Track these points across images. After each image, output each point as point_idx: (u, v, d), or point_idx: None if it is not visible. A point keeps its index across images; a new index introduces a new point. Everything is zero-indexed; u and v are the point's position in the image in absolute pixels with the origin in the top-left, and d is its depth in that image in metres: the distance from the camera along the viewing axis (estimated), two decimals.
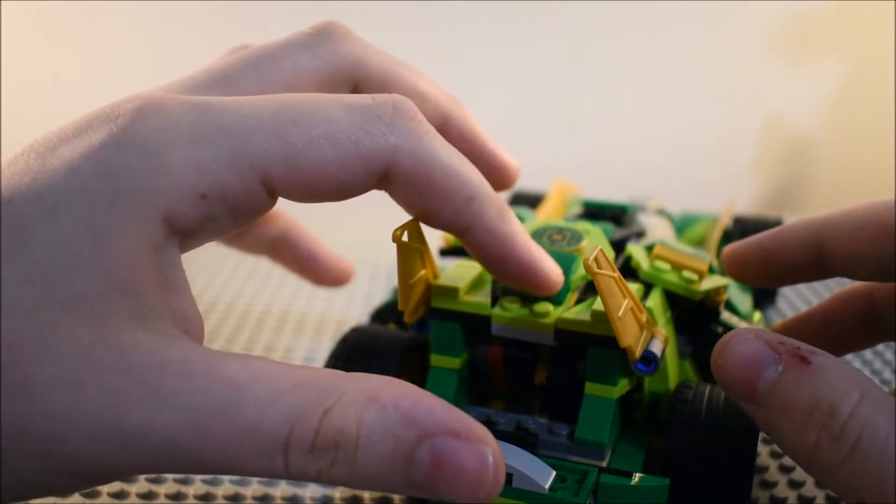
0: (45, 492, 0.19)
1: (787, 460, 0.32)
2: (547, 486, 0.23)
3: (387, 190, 0.24)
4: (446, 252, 0.33)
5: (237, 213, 0.22)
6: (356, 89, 0.26)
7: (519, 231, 0.25)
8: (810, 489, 0.30)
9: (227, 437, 0.18)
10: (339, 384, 0.19)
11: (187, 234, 0.21)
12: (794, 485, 0.31)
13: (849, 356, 0.40)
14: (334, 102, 0.23)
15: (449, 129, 0.27)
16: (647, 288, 0.29)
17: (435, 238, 0.30)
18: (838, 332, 0.29)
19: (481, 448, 0.19)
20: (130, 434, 0.18)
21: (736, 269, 0.28)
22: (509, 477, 0.23)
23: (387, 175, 0.23)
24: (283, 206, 0.27)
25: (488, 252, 0.25)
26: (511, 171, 0.29)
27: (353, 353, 0.30)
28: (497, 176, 0.28)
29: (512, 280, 0.25)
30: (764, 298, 0.41)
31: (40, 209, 0.20)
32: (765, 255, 0.27)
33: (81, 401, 0.18)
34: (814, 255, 0.25)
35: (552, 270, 0.26)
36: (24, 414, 0.18)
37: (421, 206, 0.24)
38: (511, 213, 0.25)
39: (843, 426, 0.20)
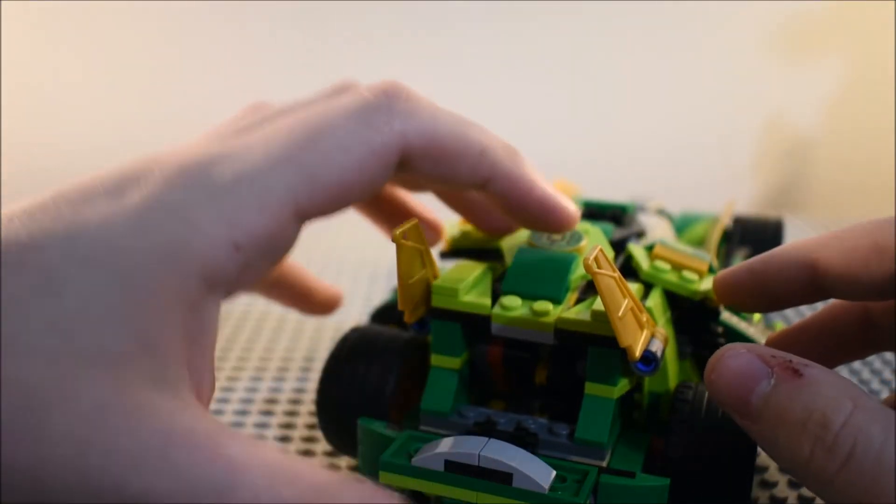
0: None
1: None
2: (547, 486, 0.23)
3: (403, 170, 0.25)
4: (447, 255, 0.33)
5: (271, 253, 0.23)
6: (407, 153, 0.25)
7: (532, 173, 0.26)
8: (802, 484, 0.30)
9: None
10: (336, 487, 0.20)
11: (227, 285, 0.22)
12: (794, 485, 0.31)
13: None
14: (334, 112, 0.23)
15: (500, 184, 0.26)
16: (647, 288, 0.29)
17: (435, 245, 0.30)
18: (833, 343, 0.28)
19: None
20: (130, 497, 0.18)
21: (728, 297, 0.27)
22: (509, 477, 0.23)
23: (403, 158, 0.24)
24: None
25: (509, 197, 0.26)
26: (566, 217, 0.28)
27: (352, 353, 0.30)
28: (553, 221, 0.27)
29: (534, 221, 0.27)
30: None
31: (72, 259, 0.20)
32: (757, 279, 0.26)
33: (90, 458, 0.18)
34: (807, 278, 0.25)
35: (569, 205, 0.27)
36: (35, 464, 0.18)
37: (439, 174, 0.25)
38: (521, 157, 0.26)
39: (835, 437, 0.20)
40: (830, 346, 0.28)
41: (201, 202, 0.21)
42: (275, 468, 0.19)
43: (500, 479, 0.23)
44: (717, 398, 0.22)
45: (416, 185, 0.30)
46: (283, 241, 0.23)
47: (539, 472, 0.23)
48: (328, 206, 0.23)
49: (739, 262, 0.27)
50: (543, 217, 0.27)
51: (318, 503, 0.19)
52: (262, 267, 0.23)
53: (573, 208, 0.27)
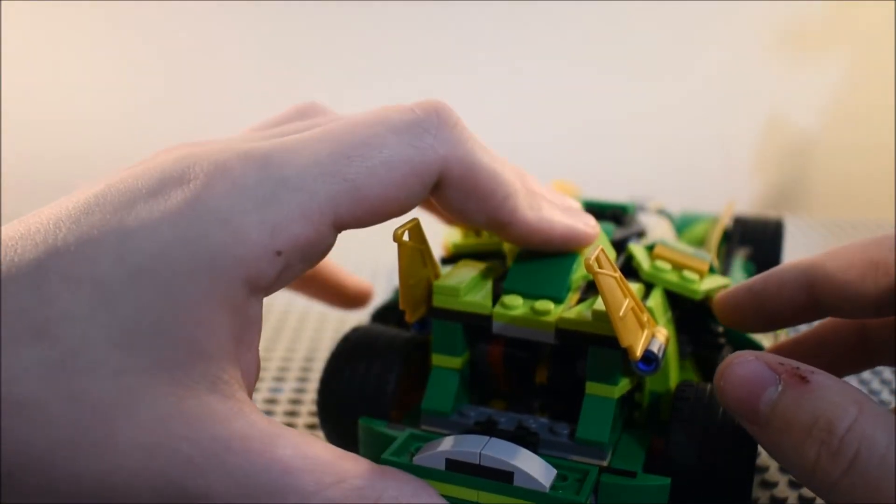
0: None
1: None
2: (548, 485, 0.23)
3: (433, 195, 0.25)
4: (447, 260, 0.33)
5: (310, 258, 0.23)
6: (443, 178, 0.25)
7: (550, 212, 0.27)
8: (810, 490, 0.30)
9: None
10: (377, 485, 0.21)
11: (267, 288, 0.23)
12: (794, 485, 0.31)
13: None
14: (383, 127, 0.24)
15: (517, 229, 0.27)
16: (648, 288, 0.29)
17: (436, 243, 0.30)
18: (829, 357, 0.29)
19: None
20: (191, 498, 0.20)
21: (729, 316, 0.28)
22: (510, 476, 0.23)
23: (437, 182, 0.25)
24: None
25: (530, 240, 0.27)
26: (584, 238, 0.28)
27: (354, 352, 0.30)
28: (572, 246, 0.28)
29: (556, 249, 0.28)
30: None
31: (122, 273, 0.21)
32: (757, 299, 0.27)
33: (155, 464, 0.20)
34: (806, 296, 0.25)
35: (588, 227, 0.28)
36: (104, 472, 0.20)
37: (463, 208, 0.25)
38: (539, 199, 0.27)
39: (840, 441, 0.20)
40: (827, 360, 0.29)
41: (245, 208, 0.22)
42: (323, 468, 0.21)
43: (501, 477, 0.23)
44: (726, 404, 0.23)
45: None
46: (321, 248, 0.24)
47: (540, 471, 0.23)
48: (367, 218, 0.24)
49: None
50: (566, 247, 0.28)
51: (363, 502, 0.21)
52: (299, 270, 0.24)
53: (592, 226, 0.28)
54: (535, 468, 0.23)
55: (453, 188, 0.25)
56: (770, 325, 0.27)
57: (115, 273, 0.21)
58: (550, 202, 0.28)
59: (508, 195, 0.26)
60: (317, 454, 0.21)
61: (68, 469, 0.19)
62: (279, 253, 0.22)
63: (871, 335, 0.28)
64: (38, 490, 0.20)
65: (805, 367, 0.22)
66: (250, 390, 0.23)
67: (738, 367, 0.22)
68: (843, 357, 0.29)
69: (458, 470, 0.23)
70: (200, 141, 0.26)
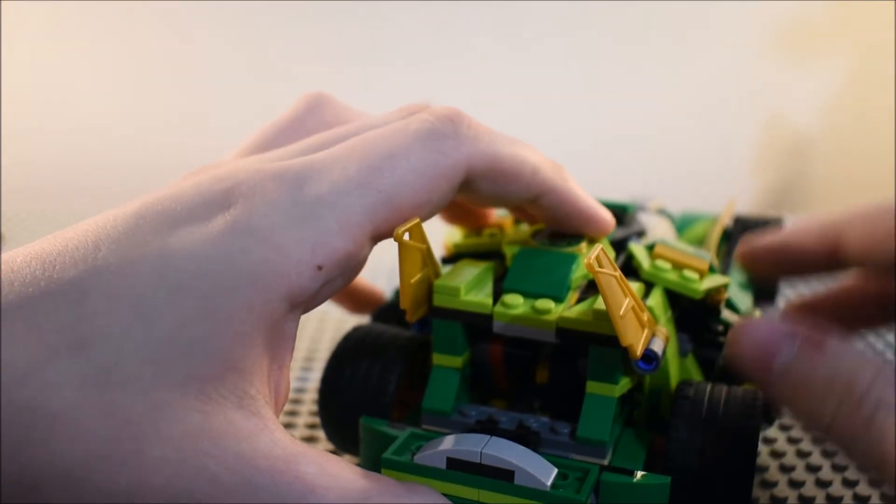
0: None
1: (787, 460, 0.32)
2: (549, 483, 0.23)
3: (463, 191, 0.26)
4: (448, 260, 0.33)
5: (349, 271, 0.24)
6: (470, 175, 0.26)
7: (576, 186, 0.29)
8: (810, 489, 0.31)
9: None
10: (404, 497, 0.22)
11: (307, 303, 0.23)
12: (795, 485, 0.31)
13: None
14: (405, 137, 0.25)
15: (550, 198, 0.28)
16: (648, 287, 0.29)
17: (437, 243, 0.30)
18: (853, 312, 0.30)
19: None
20: None
21: (752, 259, 0.30)
22: (511, 474, 0.23)
23: (464, 179, 0.26)
24: None
25: (557, 210, 0.28)
26: (605, 224, 0.30)
27: (355, 352, 0.30)
28: (593, 228, 0.29)
29: (577, 228, 0.29)
30: (764, 298, 0.41)
31: (162, 290, 0.21)
32: (783, 244, 0.29)
33: (181, 481, 0.20)
34: (829, 248, 0.27)
35: (606, 213, 0.29)
36: (131, 488, 0.20)
37: (496, 192, 0.27)
38: (566, 171, 0.29)
39: (860, 399, 0.21)
40: (850, 315, 0.30)
41: (286, 226, 0.22)
42: (348, 487, 0.21)
43: (502, 476, 0.23)
44: (740, 366, 0.24)
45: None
46: (359, 261, 0.24)
47: (541, 470, 0.23)
48: (400, 223, 0.24)
49: (737, 280, 0.29)
50: (586, 225, 0.29)
51: None
52: (339, 285, 0.24)
53: (609, 215, 0.30)
54: (535, 467, 0.23)
55: (482, 179, 0.26)
56: (790, 272, 0.29)
57: (155, 291, 0.21)
58: (575, 182, 0.29)
59: (536, 169, 0.27)
60: (340, 473, 0.21)
61: (97, 484, 0.20)
62: (320, 267, 0.23)
63: (892, 292, 0.29)
64: (86, 499, 0.20)
65: (819, 334, 0.23)
66: (279, 409, 0.23)
67: (754, 329, 0.24)
68: (865, 313, 0.30)
69: (459, 469, 0.23)
70: (224, 161, 0.27)
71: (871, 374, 0.22)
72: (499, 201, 0.28)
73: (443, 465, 0.24)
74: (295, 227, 0.22)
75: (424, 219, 0.25)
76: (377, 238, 0.24)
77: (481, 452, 0.23)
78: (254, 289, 0.22)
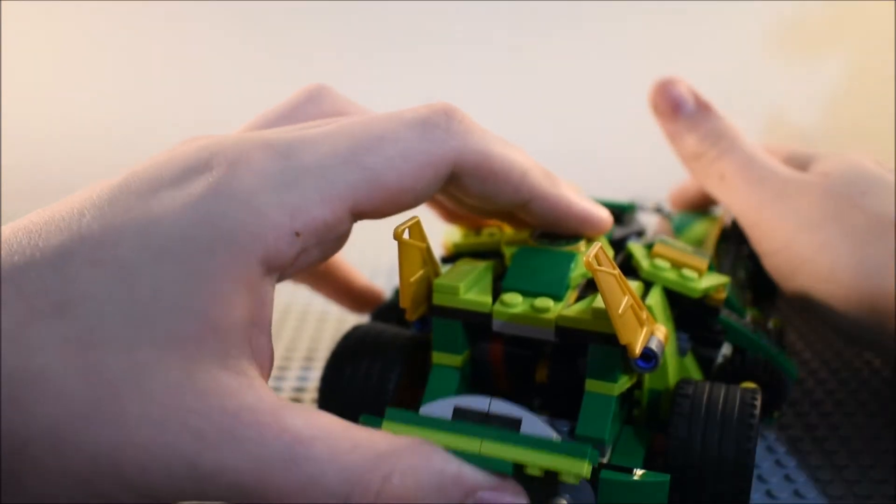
0: None
1: (782, 457, 0.32)
2: (554, 435, 0.24)
3: (451, 188, 0.27)
4: (447, 259, 0.33)
5: (327, 243, 0.25)
6: (458, 169, 0.26)
7: (568, 190, 0.29)
8: (805, 486, 0.31)
9: (290, 490, 0.20)
10: (393, 452, 0.21)
11: (283, 269, 0.23)
12: (790, 481, 0.31)
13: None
14: (397, 123, 0.25)
15: (539, 203, 0.28)
16: (647, 286, 0.29)
17: (436, 243, 0.31)
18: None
19: (517, 497, 0.22)
20: (203, 473, 0.20)
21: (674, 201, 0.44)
22: (518, 423, 0.24)
23: (452, 174, 0.26)
24: None
25: (548, 216, 0.29)
26: (601, 222, 0.30)
27: (354, 351, 0.30)
28: (590, 229, 0.30)
29: (571, 229, 0.29)
30: (763, 297, 0.41)
31: (145, 252, 0.21)
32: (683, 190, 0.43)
33: (165, 437, 0.20)
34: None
35: (603, 212, 0.30)
36: (116, 446, 0.20)
37: (484, 192, 0.27)
38: (556, 176, 0.29)
39: (728, 143, 0.35)
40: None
41: (266, 191, 0.23)
42: (336, 438, 0.21)
43: (509, 425, 0.23)
44: (655, 109, 0.37)
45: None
46: (338, 234, 0.24)
47: (546, 427, 0.24)
48: (383, 207, 0.25)
49: (736, 279, 0.35)
50: (581, 227, 0.29)
51: (384, 469, 0.21)
52: (315, 255, 0.25)
53: (606, 213, 0.30)
54: (541, 423, 0.24)
55: (470, 176, 0.26)
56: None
57: (137, 254, 0.21)
58: (567, 186, 0.29)
59: (525, 172, 0.27)
60: (328, 424, 0.21)
61: (80, 443, 0.20)
62: (298, 234, 0.23)
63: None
64: (52, 465, 0.20)
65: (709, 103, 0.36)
66: (265, 375, 0.23)
67: (669, 88, 0.37)
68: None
69: (464, 418, 0.24)
70: (218, 134, 0.27)
71: (734, 131, 0.35)
72: (487, 202, 0.28)
73: (449, 416, 0.24)
74: (275, 192, 0.23)
75: (407, 206, 0.25)
76: (358, 215, 0.24)
77: (490, 401, 0.24)
78: (231, 250, 0.22)
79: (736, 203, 0.34)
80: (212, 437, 0.20)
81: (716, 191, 0.35)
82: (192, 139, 0.26)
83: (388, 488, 0.21)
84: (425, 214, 0.31)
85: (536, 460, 0.23)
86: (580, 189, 0.44)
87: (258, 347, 0.23)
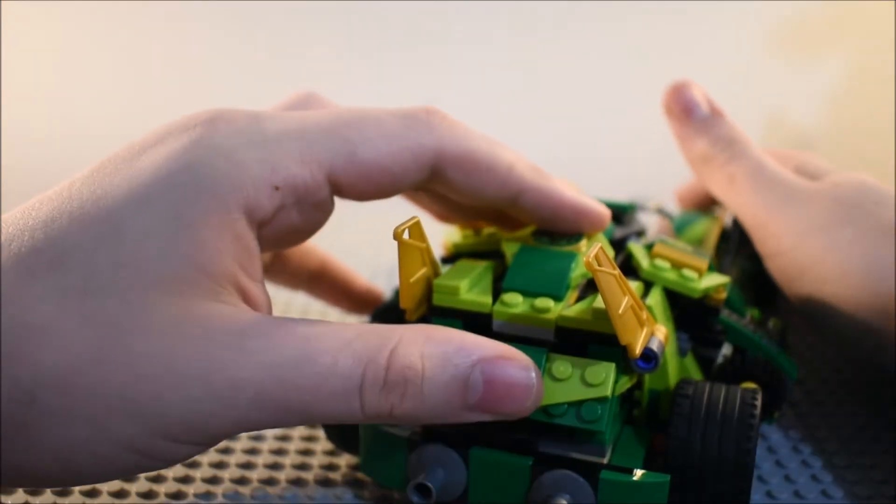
0: (153, 461, 0.21)
1: (783, 457, 0.32)
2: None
3: (437, 185, 0.27)
4: (447, 259, 0.33)
5: (305, 205, 0.25)
6: (441, 162, 0.27)
7: (559, 182, 0.29)
8: (806, 487, 0.31)
9: (308, 384, 0.21)
10: (396, 329, 0.22)
11: (263, 224, 0.24)
12: (790, 481, 0.31)
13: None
14: (381, 111, 0.26)
15: (530, 196, 0.28)
16: (648, 286, 0.29)
17: (436, 243, 0.31)
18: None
19: (524, 365, 0.23)
20: (220, 391, 0.20)
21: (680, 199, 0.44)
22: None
23: (435, 168, 0.26)
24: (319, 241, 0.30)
25: (541, 208, 0.28)
26: (599, 216, 0.30)
27: None
28: (587, 223, 0.29)
29: (569, 226, 0.29)
30: (763, 296, 0.41)
31: (130, 202, 0.22)
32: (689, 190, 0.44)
33: (175, 365, 0.20)
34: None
35: (599, 206, 0.29)
36: (126, 383, 0.20)
37: (471, 187, 0.27)
38: (545, 173, 0.29)
39: (739, 148, 0.35)
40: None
41: (247, 146, 0.23)
42: (339, 330, 0.22)
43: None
44: (668, 112, 0.37)
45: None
46: (317, 201, 0.25)
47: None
48: (359, 183, 0.25)
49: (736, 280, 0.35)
50: (578, 221, 0.29)
51: (389, 345, 0.21)
52: (294, 218, 0.25)
53: (603, 208, 0.30)
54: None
55: (454, 170, 0.26)
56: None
57: (123, 206, 0.22)
58: (560, 181, 0.29)
59: (511, 165, 0.27)
60: (328, 323, 0.22)
61: (90, 386, 0.20)
62: (277, 188, 0.24)
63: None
64: (63, 412, 0.20)
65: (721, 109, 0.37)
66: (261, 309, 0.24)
67: (682, 92, 0.37)
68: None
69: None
70: None
71: (745, 138, 0.36)
72: (476, 198, 0.28)
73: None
74: (255, 148, 0.24)
75: (385, 188, 0.26)
76: (336, 185, 0.25)
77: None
78: (213, 197, 0.22)
79: (743, 206, 0.34)
80: (221, 356, 0.21)
81: (723, 194, 0.35)
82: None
83: (395, 360, 0.21)
84: (425, 215, 0.31)
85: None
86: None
87: (252, 296, 0.24)
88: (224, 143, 0.23)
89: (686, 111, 0.36)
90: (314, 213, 0.25)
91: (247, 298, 0.23)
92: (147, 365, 0.20)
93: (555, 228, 0.29)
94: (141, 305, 0.21)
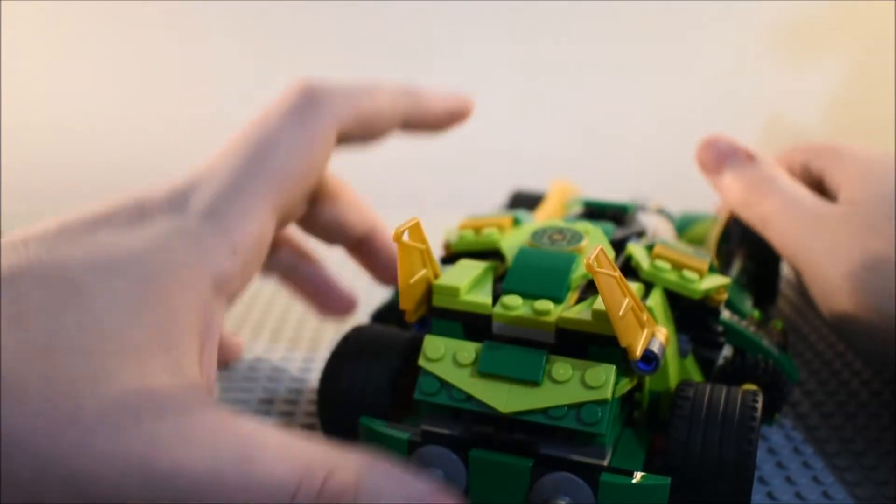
0: None
1: (784, 458, 0.32)
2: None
3: (345, 141, 0.31)
4: (447, 260, 0.33)
5: (260, 251, 0.27)
6: (342, 131, 0.30)
7: (428, 88, 0.33)
8: (807, 488, 0.31)
9: (243, 484, 0.21)
10: (341, 451, 0.22)
11: (230, 286, 0.26)
12: (791, 482, 0.31)
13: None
14: (273, 119, 0.28)
15: (417, 113, 0.33)
16: (648, 287, 0.29)
17: (436, 243, 0.30)
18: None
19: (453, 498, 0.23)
20: (160, 475, 0.20)
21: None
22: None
23: (340, 135, 0.30)
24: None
25: (425, 113, 0.33)
26: (464, 106, 0.34)
27: (354, 352, 0.30)
28: (458, 116, 0.34)
29: (441, 114, 0.34)
30: (764, 297, 0.41)
31: (95, 270, 0.23)
32: None
33: (120, 439, 0.20)
34: None
35: (465, 97, 0.34)
36: (71, 447, 0.20)
37: (369, 131, 0.31)
38: (415, 85, 0.33)
39: (761, 182, 0.35)
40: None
41: (200, 219, 0.25)
42: (286, 441, 0.22)
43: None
44: (701, 164, 0.38)
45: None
46: (268, 238, 0.27)
47: None
48: (296, 194, 0.28)
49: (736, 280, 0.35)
50: (452, 116, 0.34)
51: (328, 465, 0.21)
52: (255, 264, 0.27)
53: (468, 98, 0.34)
54: None
55: (353, 129, 0.30)
56: None
57: (86, 273, 0.22)
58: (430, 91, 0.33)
59: (392, 96, 0.32)
60: (276, 430, 0.22)
61: (38, 446, 0.20)
62: (235, 251, 0.26)
63: None
64: (21, 468, 0.20)
65: (753, 152, 0.37)
66: (209, 392, 0.24)
67: (715, 144, 0.37)
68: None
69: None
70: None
71: (774, 172, 0.36)
72: (373, 136, 0.31)
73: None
74: (209, 220, 0.25)
75: (315, 180, 0.29)
76: (280, 213, 0.28)
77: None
78: (181, 272, 0.23)
79: (778, 243, 0.35)
80: (167, 439, 0.20)
81: (762, 233, 0.36)
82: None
83: (330, 482, 0.21)
84: (425, 215, 0.31)
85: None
86: (574, 188, 0.43)
87: (206, 369, 0.24)
88: (181, 220, 0.25)
89: (719, 163, 0.37)
90: (266, 246, 0.27)
91: (201, 372, 0.24)
92: (94, 436, 0.20)
93: (432, 124, 0.34)
94: (103, 371, 0.21)
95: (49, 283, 0.22)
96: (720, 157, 0.37)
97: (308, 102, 0.29)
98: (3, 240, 0.23)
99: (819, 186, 0.37)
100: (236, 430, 0.21)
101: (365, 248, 0.37)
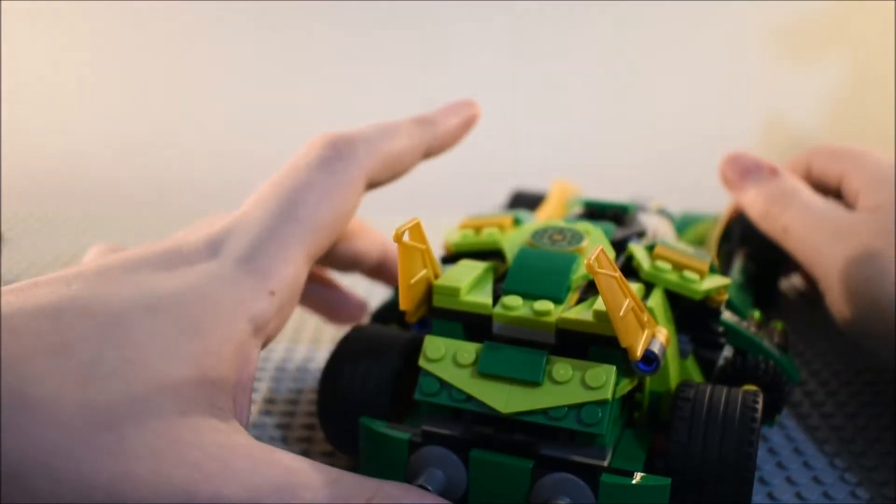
0: None
1: (784, 459, 0.32)
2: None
3: (376, 185, 0.31)
4: (447, 260, 0.33)
5: (295, 293, 0.28)
6: (370, 179, 0.31)
7: (443, 122, 0.34)
8: (807, 488, 0.31)
9: None
10: (377, 481, 0.23)
11: (266, 327, 0.26)
12: (791, 483, 0.31)
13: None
14: (303, 171, 0.29)
15: (440, 142, 0.33)
16: (648, 288, 0.29)
17: (436, 243, 0.30)
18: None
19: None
20: (202, 502, 0.20)
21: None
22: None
23: (369, 182, 0.31)
24: None
25: (448, 139, 0.34)
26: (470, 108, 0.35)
27: (354, 352, 0.30)
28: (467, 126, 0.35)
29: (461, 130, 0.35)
30: (764, 298, 0.41)
31: (137, 307, 0.23)
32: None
33: (162, 467, 0.20)
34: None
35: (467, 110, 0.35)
36: (114, 475, 0.20)
37: (396, 172, 0.32)
38: (428, 118, 0.33)
39: (783, 194, 0.36)
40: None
41: (237, 263, 0.26)
42: (323, 471, 0.22)
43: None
44: (725, 180, 0.39)
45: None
46: (302, 282, 0.28)
47: None
48: (328, 239, 0.29)
49: (737, 280, 0.35)
50: (466, 127, 0.35)
51: (368, 493, 0.22)
52: (290, 307, 0.28)
53: (473, 103, 0.35)
54: None
55: (380, 174, 0.31)
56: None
57: (132, 310, 0.23)
58: (442, 116, 0.34)
59: (409, 131, 0.32)
60: (311, 461, 0.23)
61: (77, 472, 0.20)
62: (273, 294, 0.26)
63: None
64: (45, 491, 0.20)
65: (777, 167, 0.38)
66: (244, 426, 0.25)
67: (737, 159, 0.38)
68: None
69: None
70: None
71: (794, 185, 0.37)
72: (400, 175, 0.32)
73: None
74: (245, 266, 0.26)
75: (345, 225, 0.30)
76: (313, 258, 0.28)
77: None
78: (221, 312, 0.24)
79: (798, 251, 0.36)
80: (208, 468, 0.21)
81: (784, 245, 0.36)
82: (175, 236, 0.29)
83: None
84: (425, 216, 0.31)
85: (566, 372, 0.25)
86: (574, 188, 0.43)
87: (239, 406, 0.25)
88: (220, 264, 0.26)
89: (742, 178, 0.38)
90: (300, 289, 0.28)
91: (235, 410, 0.24)
92: (137, 462, 0.20)
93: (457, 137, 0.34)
94: (143, 400, 0.21)
95: (91, 315, 0.22)
96: (743, 173, 0.38)
97: (336, 154, 0.29)
98: (39, 279, 0.24)
99: (836, 191, 0.37)
100: (275, 463, 0.22)
101: (383, 270, 0.38)
